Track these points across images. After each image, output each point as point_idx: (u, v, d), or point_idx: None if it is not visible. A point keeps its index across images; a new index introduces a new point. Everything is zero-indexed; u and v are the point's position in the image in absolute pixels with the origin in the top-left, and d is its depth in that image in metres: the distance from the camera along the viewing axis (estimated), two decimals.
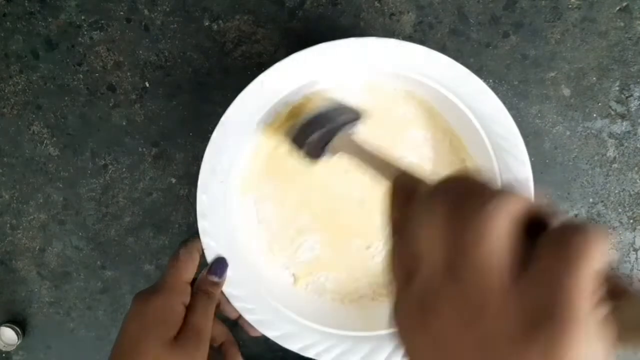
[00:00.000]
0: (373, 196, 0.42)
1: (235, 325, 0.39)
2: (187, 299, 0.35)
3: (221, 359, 0.39)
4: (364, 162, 0.33)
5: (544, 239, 0.16)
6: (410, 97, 0.41)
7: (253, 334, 0.38)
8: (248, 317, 0.37)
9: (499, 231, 0.16)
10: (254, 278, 0.39)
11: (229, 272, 0.37)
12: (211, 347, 0.35)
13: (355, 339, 0.38)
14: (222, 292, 0.37)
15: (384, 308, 0.42)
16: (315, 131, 0.36)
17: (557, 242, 0.16)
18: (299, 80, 0.37)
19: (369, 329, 0.39)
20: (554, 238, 0.16)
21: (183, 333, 0.33)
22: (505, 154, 0.37)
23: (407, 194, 0.22)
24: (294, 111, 0.40)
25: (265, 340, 0.38)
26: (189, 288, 0.36)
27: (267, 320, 0.38)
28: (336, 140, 0.36)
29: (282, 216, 0.43)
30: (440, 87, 0.37)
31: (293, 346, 0.37)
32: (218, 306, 0.38)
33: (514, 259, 0.16)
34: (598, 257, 0.15)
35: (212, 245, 0.37)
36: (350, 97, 0.41)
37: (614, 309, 0.15)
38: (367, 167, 0.32)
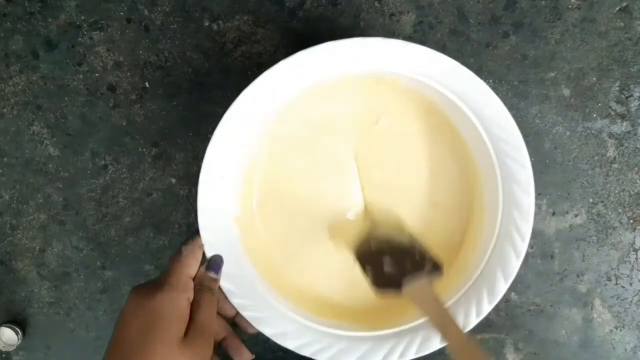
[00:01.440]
0: (389, 189, 0.42)
1: (234, 325, 0.40)
2: (191, 295, 0.34)
3: (222, 352, 0.38)
4: (432, 316, 0.33)
5: None
6: (412, 97, 0.41)
7: (250, 331, 0.38)
8: (245, 314, 0.37)
9: None
10: (253, 275, 0.39)
11: (228, 269, 0.37)
12: (214, 342, 0.35)
13: (352, 339, 0.38)
14: (220, 289, 0.37)
15: (383, 308, 0.42)
16: (394, 260, 0.36)
17: None
18: (301, 80, 0.37)
19: (366, 329, 0.39)
20: None
21: (191, 331, 0.32)
22: (506, 156, 0.37)
23: None
24: (365, 225, 0.39)
25: (265, 340, 0.38)
26: (192, 284, 0.35)
27: (264, 318, 0.38)
28: (416, 284, 0.35)
29: (283, 214, 0.43)
30: (442, 88, 0.37)
31: (289, 344, 0.37)
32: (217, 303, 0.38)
33: None
34: None
35: (212, 241, 0.37)
36: (351, 97, 0.41)
37: None
38: (433, 323, 0.33)
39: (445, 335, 0.33)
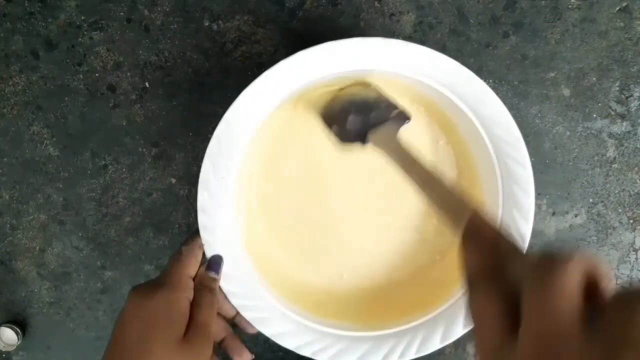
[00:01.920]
0: (383, 203, 0.42)
1: (234, 326, 0.39)
2: (191, 295, 0.34)
3: (222, 353, 0.38)
4: (402, 166, 0.32)
5: (610, 303, 0.17)
6: (414, 97, 0.41)
7: (250, 331, 0.38)
8: (245, 314, 0.37)
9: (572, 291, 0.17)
10: (253, 275, 0.39)
11: (228, 269, 0.37)
12: (213, 343, 0.35)
13: (352, 339, 0.38)
14: (220, 289, 0.37)
15: (382, 308, 0.42)
16: (359, 115, 0.34)
17: (623, 309, 0.16)
18: (303, 79, 0.37)
19: (366, 329, 0.39)
20: (620, 304, 0.16)
21: (191, 331, 0.32)
22: (506, 156, 0.37)
23: (485, 243, 0.22)
24: (331, 90, 0.38)
25: (265, 340, 0.38)
26: (192, 284, 0.35)
27: (264, 318, 0.38)
28: (380, 133, 0.34)
29: (283, 214, 0.43)
30: (443, 88, 0.37)
31: (289, 344, 0.37)
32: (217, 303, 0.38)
33: (583, 315, 0.17)
34: None
35: (212, 241, 0.37)
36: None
37: None
38: (403, 172, 0.31)
39: (411, 178, 0.31)
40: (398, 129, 0.35)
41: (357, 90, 0.38)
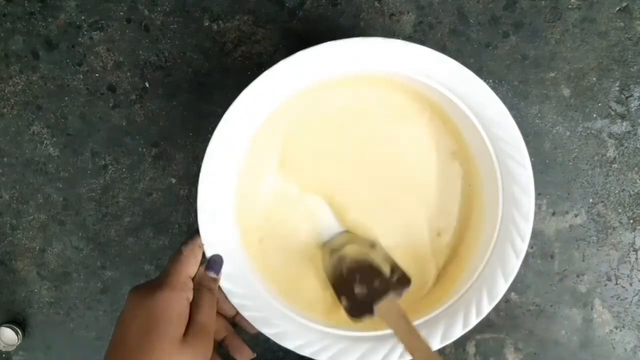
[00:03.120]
0: (383, 207, 0.42)
1: (234, 326, 0.40)
2: (191, 295, 0.34)
3: (223, 352, 0.38)
4: (401, 340, 0.34)
5: None
6: (414, 97, 0.41)
7: (250, 330, 0.38)
8: (245, 313, 0.37)
9: None
10: (253, 275, 0.39)
11: (228, 269, 0.37)
12: (214, 342, 0.35)
13: (352, 339, 0.38)
14: (220, 289, 0.37)
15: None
16: (364, 284, 0.36)
17: None
18: (303, 79, 0.37)
19: (366, 329, 0.39)
20: None
21: (191, 331, 0.32)
22: (506, 156, 0.37)
23: None
24: (340, 241, 0.40)
25: (265, 340, 0.38)
26: (192, 284, 0.35)
27: (263, 318, 0.38)
28: (384, 305, 0.36)
29: (283, 212, 0.43)
30: (442, 88, 0.37)
31: (289, 344, 0.37)
32: (217, 303, 0.38)
33: None
34: None
35: (212, 241, 0.37)
36: (353, 97, 0.41)
37: None
38: (404, 344, 0.34)
39: (412, 354, 0.34)
40: (400, 296, 0.37)
41: (361, 251, 0.39)
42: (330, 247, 0.40)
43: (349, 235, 0.41)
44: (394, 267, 0.38)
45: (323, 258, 0.41)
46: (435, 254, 0.43)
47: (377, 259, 0.38)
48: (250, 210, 0.42)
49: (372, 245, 0.40)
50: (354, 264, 0.38)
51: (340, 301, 0.38)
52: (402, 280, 0.37)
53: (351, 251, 0.39)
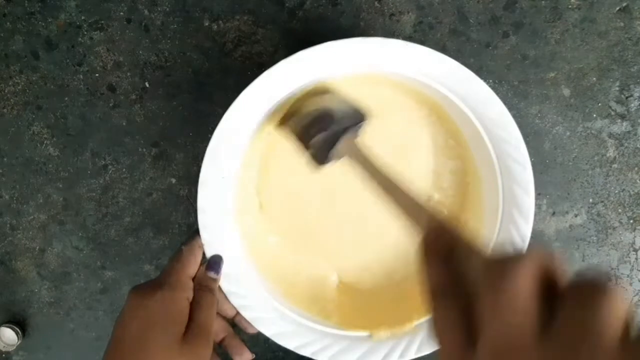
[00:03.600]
0: (382, 204, 0.42)
1: (234, 326, 0.39)
2: (190, 295, 0.34)
3: (222, 353, 0.38)
4: (366, 172, 0.32)
5: (566, 296, 0.16)
6: (414, 97, 0.41)
7: (250, 330, 0.38)
8: (245, 314, 0.37)
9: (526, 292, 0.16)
10: (253, 275, 0.39)
11: (228, 269, 0.37)
12: (213, 342, 0.35)
13: (352, 339, 0.38)
14: (220, 289, 0.37)
15: (382, 309, 0.42)
16: (320, 132, 0.35)
17: (579, 300, 0.16)
18: (303, 79, 0.37)
19: (367, 329, 0.39)
20: (575, 296, 0.16)
21: (191, 331, 0.32)
22: (506, 156, 0.37)
23: (444, 250, 0.21)
24: (297, 104, 0.39)
25: (265, 340, 0.38)
26: (192, 283, 0.35)
27: (263, 318, 0.38)
28: (341, 144, 0.35)
29: (283, 214, 0.43)
30: (443, 88, 0.37)
31: (289, 344, 0.37)
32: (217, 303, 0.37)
33: (540, 317, 0.16)
34: (619, 312, 0.15)
35: (212, 241, 0.37)
36: (353, 96, 0.41)
37: None
38: (368, 179, 0.32)
39: (374, 183, 0.31)
40: (356, 134, 0.36)
41: (318, 101, 0.38)
42: (290, 113, 0.39)
43: (304, 94, 0.39)
44: (347, 108, 0.37)
45: (288, 124, 0.39)
46: None
47: (333, 103, 0.37)
48: (250, 210, 0.42)
49: (325, 91, 0.38)
50: (312, 117, 0.37)
51: (306, 154, 0.37)
52: (356, 116, 0.36)
53: (309, 104, 0.38)
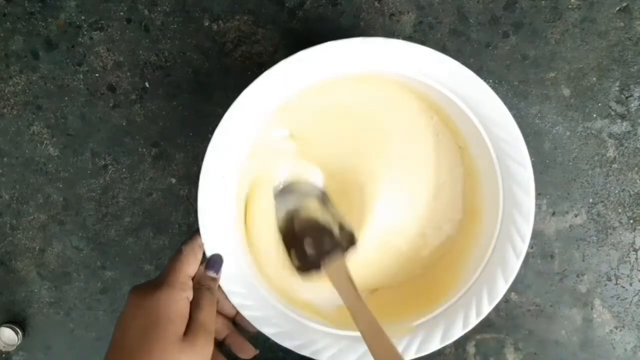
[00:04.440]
0: (382, 206, 0.42)
1: (236, 325, 0.40)
2: (191, 295, 0.34)
3: (226, 351, 0.38)
4: (347, 301, 0.36)
5: None
6: (413, 97, 0.41)
7: (251, 329, 0.38)
8: (245, 313, 0.37)
9: None
10: (253, 275, 0.39)
11: (228, 269, 0.37)
12: (215, 341, 0.35)
13: (352, 339, 0.38)
14: (220, 289, 0.37)
15: (382, 309, 0.42)
16: (315, 244, 0.38)
17: None
18: (303, 79, 0.37)
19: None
20: None
21: (192, 330, 0.32)
22: (506, 156, 0.37)
23: None
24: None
25: (265, 340, 0.38)
26: (191, 283, 0.35)
27: (264, 317, 0.38)
28: (332, 265, 0.38)
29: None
30: (443, 88, 0.37)
31: (289, 344, 0.37)
32: (217, 302, 0.38)
33: None
34: None
35: (212, 241, 0.37)
36: (353, 97, 0.41)
37: None
38: (347, 306, 0.36)
39: (351, 312, 0.35)
40: (345, 255, 0.39)
41: (314, 208, 0.41)
42: (284, 203, 0.41)
43: (301, 186, 0.42)
44: (342, 226, 0.39)
45: (276, 208, 0.42)
46: (432, 253, 0.43)
47: (327, 217, 0.40)
48: (251, 209, 0.42)
49: (324, 201, 0.41)
50: (305, 223, 0.40)
51: (290, 255, 0.40)
52: (348, 240, 0.39)
53: (305, 209, 0.40)
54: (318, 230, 0.39)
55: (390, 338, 0.33)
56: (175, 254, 0.35)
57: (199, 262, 0.36)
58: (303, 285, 0.41)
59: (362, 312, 0.35)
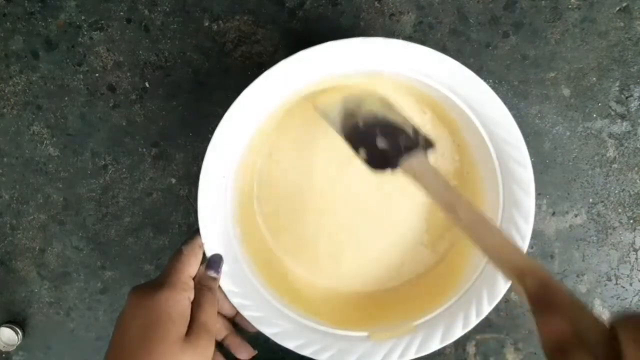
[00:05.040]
0: (383, 208, 0.42)
1: (236, 325, 0.40)
2: (192, 295, 0.34)
3: (224, 351, 0.38)
4: (434, 194, 0.32)
5: None
6: (415, 97, 0.41)
7: (250, 329, 0.38)
8: (245, 313, 0.37)
9: None
10: (253, 275, 0.39)
11: (228, 268, 0.37)
12: (215, 341, 0.35)
13: (352, 339, 0.38)
14: (220, 289, 0.37)
15: (382, 309, 0.42)
16: (387, 139, 0.34)
17: None
18: (303, 79, 0.37)
19: (366, 330, 0.39)
20: None
21: (193, 331, 0.32)
22: (507, 156, 0.37)
23: (555, 306, 0.23)
24: (344, 99, 0.37)
25: (265, 340, 0.38)
26: (192, 283, 0.35)
27: (264, 317, 0.38)
28: (412, 160, 0.34)
29: (284, 214, 0.43)
30: (443, 88, 0.37)
31: (289, 344, 0.37)
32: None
33: None
34: None
35: (212, 241, 0.37)
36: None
37: None
38: (435, 200, 0.32)
39: (449, 208, 0.31)
40: (427, 155, 0.35)
41: (378, 108, 0.37)
42: (335, 96, 0.37)
43: (363, 93, 0.38)
44: (416, 130, 0.35)
45: (330, 111, 0.37)
46: (433, 253, 0.43)
47: (398, 119, 0.36)
48: (250, 209, 0.42)
49: (389, 106, 0.37)
50: (372, 119, 0.36)
51: (357, 152, 0.36)
52: (426, 141, 0.35)
53: (368, 105, 0.36)
54: (391, 129, 0.35)
55: (502, 230, 0.30)
56: (175, 254, 0.35)
57: (200, 262, 0.36)
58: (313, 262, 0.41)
59: (461, 204, 0.31)
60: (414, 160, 0.34)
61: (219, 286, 0.37)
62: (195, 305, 0.34)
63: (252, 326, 0.37)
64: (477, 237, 0.30)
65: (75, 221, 0.48)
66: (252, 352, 0.39)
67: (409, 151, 0.34)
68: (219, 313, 0.38)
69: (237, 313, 0.38)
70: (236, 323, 0.40)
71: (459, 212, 0.31)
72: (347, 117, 0.37)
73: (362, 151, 0.36)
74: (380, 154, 0.35)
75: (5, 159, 0.48)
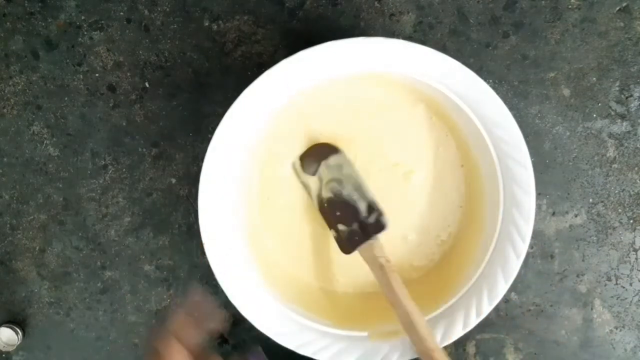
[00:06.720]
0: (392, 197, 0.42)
1: (237, 325, 0.40)
2: None
3: (223, 353, 0.38)
4: (381, 284, 0.37)
5: None
6: (415, 97, 0.41)
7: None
8: (245, 313, 0.37)
9: None
10: (253, 275, 0.39)
11: (228, 269, 0.37)
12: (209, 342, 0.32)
13: (352, 339, 0.38)
14: (210, 294, 0.35)
15: (382, 309, 0.42)
16: (346, 223, 0.39)
17: None
18: (303, 79, 0.37)
19: (365, 330, 0.39)
20: None
21: None
22: (507, 156, 0.37)
23: None
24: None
25: (265, 339, 0.38)
26: None
27: (264, 317, 0.38)
28: (363, 252, 0.39)
29: (284, 214, 0.43)
30: (443, 88, 0.37)
31: (289, 344, 0.37)
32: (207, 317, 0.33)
33: None
34: None
35: (212, 241, 0.37)
36: (353, 97, 0.41)
37: None
38: (383, 289, 0.37)
39: (389, 301, 0.36)
40: (377, 240, 0.39)
41: (336, 180, 0.40)
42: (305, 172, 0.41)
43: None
44: (371, 206, 0.39)
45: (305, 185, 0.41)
46: (433, 254, 0.43)
47: (353, 195, 0.40)
48: (250, 210, 0.42)
49: (355, 182, 0.40)
50: (333, 197, 0.40)
51: (334, 229, 0.40)
52: (379, 223, 0.39)
53: (327, 179, 0.40)
54: (345, 209, 0.39)
55: (428, 327, 0.35)
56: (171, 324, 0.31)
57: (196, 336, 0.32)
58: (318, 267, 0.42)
59: (400, 302, 0.36)
60: (363, 252, 0.39)
61: (208, 294, 0.35)
62: None
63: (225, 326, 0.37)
64: (406, 330, 0.36)
65: (75, 221, 0.48)
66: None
67: (364, 239, 0.39)
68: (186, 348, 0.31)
69: (226, 321, 0.37)
70: (235, 324, 0.39)
71: (396, 309, 0.36)
72: (320, 190, 0.41)
73: (333, 233, 0.40)
74: (345, 236, 0.39)
75: (5, 159, 0.48)
